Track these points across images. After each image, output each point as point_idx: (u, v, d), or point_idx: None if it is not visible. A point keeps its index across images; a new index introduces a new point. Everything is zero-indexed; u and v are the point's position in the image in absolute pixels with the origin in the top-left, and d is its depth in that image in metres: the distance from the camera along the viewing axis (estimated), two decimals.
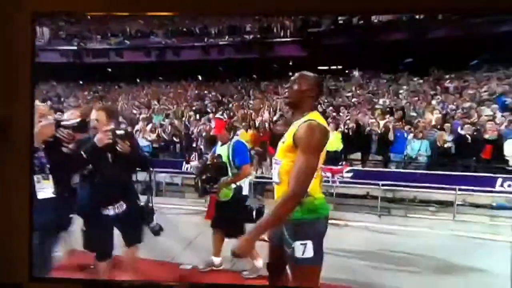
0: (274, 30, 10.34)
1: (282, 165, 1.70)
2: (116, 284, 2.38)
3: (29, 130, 2.47)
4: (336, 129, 5.83)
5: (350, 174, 5.57)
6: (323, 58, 9.69)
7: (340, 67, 10.47)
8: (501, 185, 4.93)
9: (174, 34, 10.84)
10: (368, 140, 5.86)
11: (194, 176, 3.21)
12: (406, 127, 5.95)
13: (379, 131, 5.82)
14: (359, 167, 5.78)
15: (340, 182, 5.38)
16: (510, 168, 5.05)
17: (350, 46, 9.13)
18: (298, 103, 1.73)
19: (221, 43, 10.54)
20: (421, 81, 9.16)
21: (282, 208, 1.56)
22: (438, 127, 5.95)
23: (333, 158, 5.69)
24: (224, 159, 2.81)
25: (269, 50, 10.33)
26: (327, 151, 1.74)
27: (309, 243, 1.63)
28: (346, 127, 5.94)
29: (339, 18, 9.28)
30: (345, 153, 5.87)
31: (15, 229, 2.30)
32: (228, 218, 2.78)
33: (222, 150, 2.87)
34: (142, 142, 6.15)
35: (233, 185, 2.81)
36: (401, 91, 8.59)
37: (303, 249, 1.63)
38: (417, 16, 8.17)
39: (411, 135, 5.72)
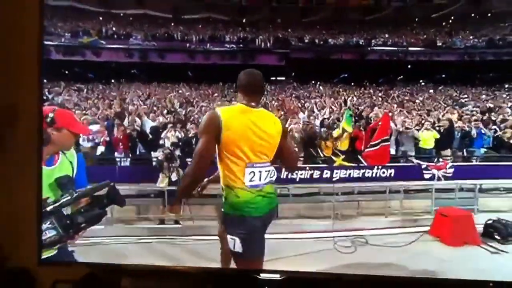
0: None
1: None
2: (124, 268, 2.37)
3: (37, 116, 2.28)
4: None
5: (452, 170, 5.81)
6: None
7: None
8: None
9: None
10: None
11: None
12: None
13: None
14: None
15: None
16: None
17: None
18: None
19: None
20: None
21: (182, 181, 1.72)
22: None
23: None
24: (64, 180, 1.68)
25: None
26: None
27: (237, 240, 1.60)
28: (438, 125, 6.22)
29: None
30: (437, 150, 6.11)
31: (23, 214, 2.28)
32: None
33: (65, 166, 1.75)
34: None
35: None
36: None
37: (233, 243, 1.62)
38: None
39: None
